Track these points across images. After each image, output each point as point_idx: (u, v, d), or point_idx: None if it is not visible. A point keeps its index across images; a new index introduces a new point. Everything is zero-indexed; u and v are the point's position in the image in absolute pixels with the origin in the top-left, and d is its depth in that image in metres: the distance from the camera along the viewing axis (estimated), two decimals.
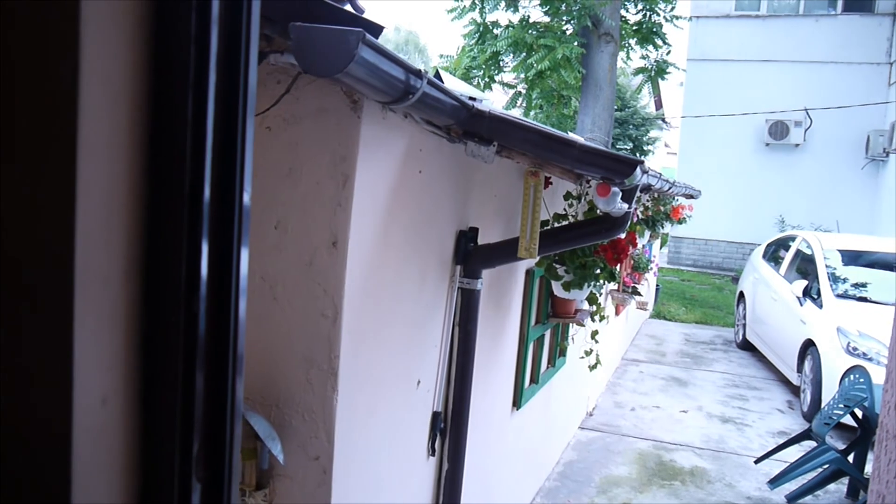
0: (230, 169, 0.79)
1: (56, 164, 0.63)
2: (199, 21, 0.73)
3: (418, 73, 1.73)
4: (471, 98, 2.29)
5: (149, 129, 0.72)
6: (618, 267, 3.41)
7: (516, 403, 4.05)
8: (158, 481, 0.77)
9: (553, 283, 3.66)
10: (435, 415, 2.80)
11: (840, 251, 8.36)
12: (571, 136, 2.85)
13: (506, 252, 2.84)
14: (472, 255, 2.81)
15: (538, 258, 2.94)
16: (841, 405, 5.30)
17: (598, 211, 2.86)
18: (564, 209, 3.56)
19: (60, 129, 0.63)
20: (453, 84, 2.60)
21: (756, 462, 5.75)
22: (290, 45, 1.51)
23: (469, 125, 2.29)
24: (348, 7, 2.77)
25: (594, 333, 4.80)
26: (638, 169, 2.38)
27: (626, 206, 2.56)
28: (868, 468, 5.31)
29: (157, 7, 0.71)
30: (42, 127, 0.63)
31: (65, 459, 0.66)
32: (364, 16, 1.90)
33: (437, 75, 2.59)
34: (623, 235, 2.94)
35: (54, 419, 0.65)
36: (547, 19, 12.10)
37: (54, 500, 0.67)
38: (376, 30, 1.54)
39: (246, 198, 0.81)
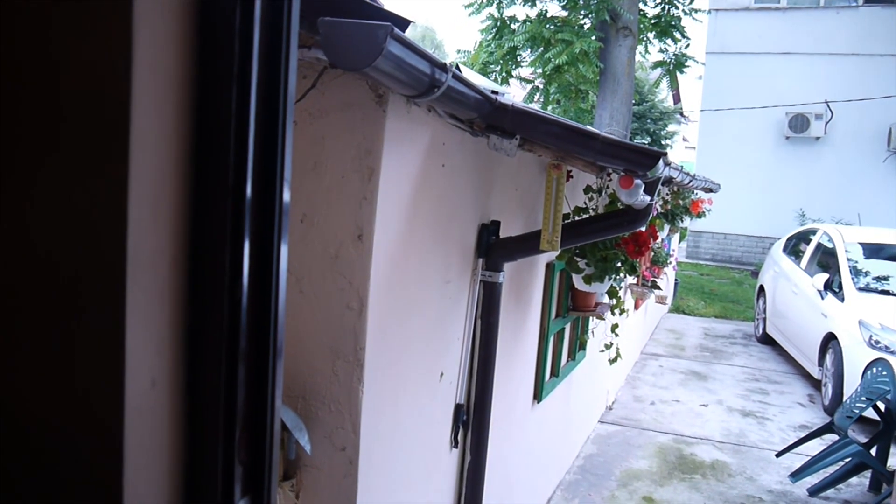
0: (271, 163, 0.81)
1: (110, 156, 0.66)
2: (244, 16, 0.75)
3: (443, 67, 1.75)
4: (493, 92, 2.30)
5: (195, 122, 0.74)
6: (639, 260, 3.41)
7: (537, 396, 4.07)
8: (203, 462, 0.80)
9: (574, 276, 3.67)
10: (458, 407, 2.83)
11: (861, 244, 8.30)
12: (592, 129, 2.86)
13: (527, 245, 2.85)
14: (494, 248, 2.82)
15: (559, 251, 2.95)
16: (863, 398, 5.27)
17: (619, 204, 2.86)
18: (585, 203, 3.57)
19: (115, 122, 0.65)
20: (473, 78, 2.61)
21: (777, 455, 5.73)
22: (318, 39, 1.54)
23: (492, 119, 2.30)
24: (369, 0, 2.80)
25: (614, 327, 4.80)
26: (661, 161, 2.38)
27: (648, 198, 2.57)
28: (891, 461, 5.28)
29: (203, 6, 0.73)
30: (98, 120, 0.65)
31: (117, 438, 0.68)
32: (388, 9, 1.92)
33: (457, 68, 2.61)
34: (644, 228, 2.94)
35: (107, 400, 0.68)
36: (565, 14, 12.05)
37: (107, 477, 0.69)
38: (403, 24, 1.56)
39: (286, 192, 0.83)
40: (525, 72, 13.14)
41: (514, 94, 13.30)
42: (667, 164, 2.53)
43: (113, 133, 0.65)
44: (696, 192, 8.09)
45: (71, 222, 0.67)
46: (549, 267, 3.92)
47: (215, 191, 0.76)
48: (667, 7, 12.74)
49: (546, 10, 12.08)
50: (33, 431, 0.69)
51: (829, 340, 7.37)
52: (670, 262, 8.64)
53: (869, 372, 5.73)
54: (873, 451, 5.18)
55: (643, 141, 22.13)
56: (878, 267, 7.97)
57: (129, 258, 0.67)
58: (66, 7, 0.65)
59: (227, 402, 0.80)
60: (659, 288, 7.27)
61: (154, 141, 0.69)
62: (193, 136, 0.74)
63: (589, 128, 2.72)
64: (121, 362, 0.66)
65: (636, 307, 7.43)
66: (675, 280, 12.18)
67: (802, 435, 5.88)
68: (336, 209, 2.03)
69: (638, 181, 2.43)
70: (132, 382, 0.68)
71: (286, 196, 0.83)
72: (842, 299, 7.45)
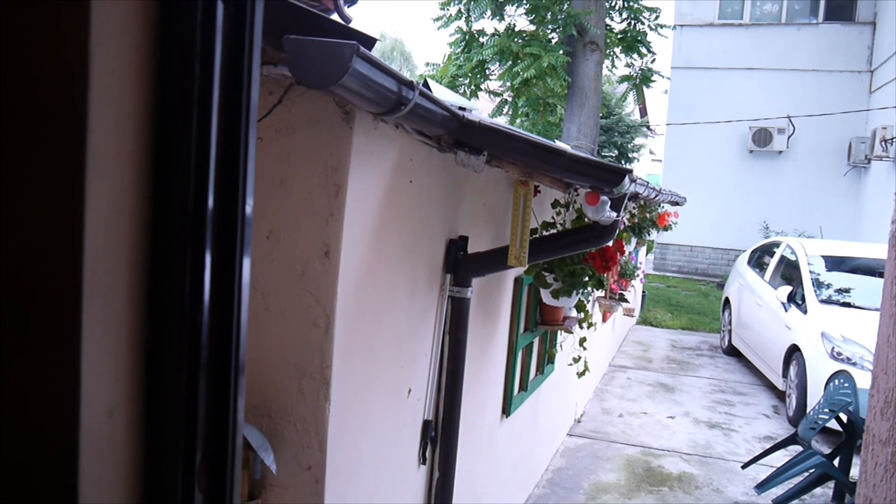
0: (233, 182, 0.80)
1: (64, 178, 0.64)
2: (204, 32, 0.74)
3: (410, 85, 1.75)
4: (461, 108, 2.31)
5: (154, 144, 0.73)
6: (606, 274, 3.43)
7: (506, 411, 4.07)
8: (162, 492, 0.78)
9: (542, 290, 3.68)
10: (426, 423, 2.81)
11: (824, 257, 8.44)
12: (560, 144, 2.87)
13: (495, 260, 2.86)
14: (461, 264, 2.82)
15: (527, 266, 2.96)
16: (826, 410, 5.35)
17: (587, 219, 2.88)
18: (552, 217, 3.58)
19: (69, 144, 0.64)
20: (441, 93, 2.62)
21: (743, 467, 5.78)
22: (284, 56, 1.53)
23: (459, 135, 2.31)
24: (335, 17, 2.79)
25: (582, 340, 4.83)
26: (626, 178, 2.40)
27: (614, 214, 2.59)
28: (853, 472, 5.35)
29: (163, 23, 0.72)
30: (51, 143, 0.64)
31: (71, 470, 0.67)
32: (354, 26, 1.91)
33: (426, 84, 2.61)
34: (611, 243, 2.96)
35: (62, 430, 0.66)
36: (533, 28, 12.17)
37: None
38: (370, 42, 1.56)
39: (248, 210, 0.82)
40: (494, 85, 13.22)
41: (482, 107, 13.37)
42: (633, 180, 2.55)
43: (69, 154, 0.64)
44: (662, 205, 8.18)
45: (23, 247, 0.65)
46: (518, 281, 3.93)
47: (175, 211, 0.75)
48: (633, 23, 12.93)
49: (514, 25, 12.18)
50: None
51: (793, 352, 7.48)
52: (637, 275, 8.72)
53: (831, 384, 5.81)
54: (836, 462, 5.26)
55: (611, 154, 22.36)
56: (839, 279, 8.11)
57: (85, 283, 0.65)
58: (22, 28, 0.63)
59: (187, 428, 0.79)
60: (626, 301, 7.32)
61: (112, 161, 0.68)
62: (152, 154, 0.73)
63: (557, 144, 2.74)
64: (76, 393, 0.65)
65: (604, 320, 7.48)
66: (643, 292, 12.29)
67: (767, 446, 5.95)
68: (303, 226, 2.02)
69: (604, 198, 2.45)
70: (88, 413, 0.66)
71: (248, 210, 0.82)
72: (805, 311, 7.57)
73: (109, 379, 0.70)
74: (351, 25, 1.77)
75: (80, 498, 0.67)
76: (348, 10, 2.84)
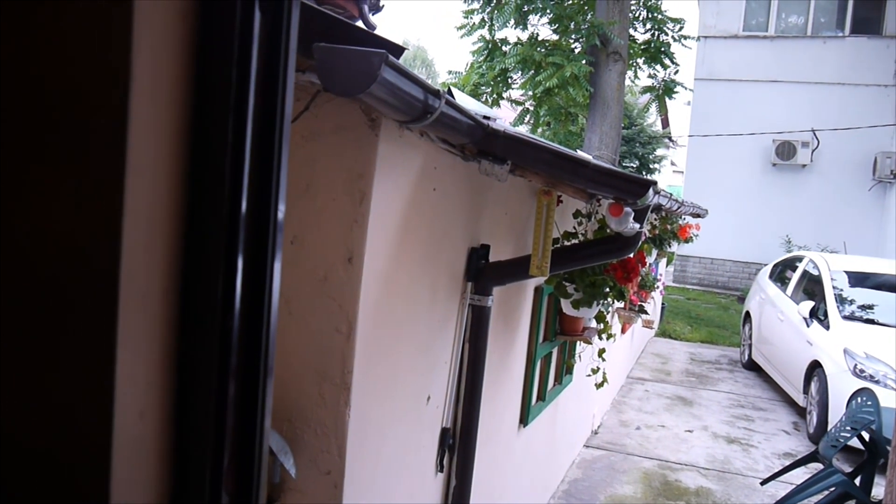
0: (266, 188, 0.81)
1: (104, 185, 0.65)
2: (241, 44, 0.75)
3: (437, 93, 1.75)
4: (485, 117, 2.31)
5: (191, 149, 0.74)
6: (627, 285, 3.42)
7: (523, 420, 4.05)
8: (190, 494, 0.79)
9: (562, 300, 3.67)
10: (444, 431, 2.81)
11: (847, 272, 8.35)
12: (584, 155, 2.87)
13: (517, 269, 2.85)
14: (483, 272, 2.82)
15: (549, 276, 2.95)
16: (848, 428, 5.28)
17: (609, 230, 2.87)
18: (574, 227, 3.58)
19: (110, 149, 0.64)
20: (464, 101, 2.62)
21: (762, 483, 5.71)
22: (312, 63, 1.54)
23: (484, 144, 2.31)
24: (359, 24, 2.81)
25: (601, 352, 4.80)
26: (651, 189, 2.39)
27: (637, 225, 2.58)
28: (875, 491, 5.28)
29: (202, 30, 0.73)
30: (93, 148, 0.65)
31: (104, 468, 0.67)
32: (380, 34, 1.92)
33: (450, 93, 2.62)
34: (633, 255, 2.95)
35: (96, 430, 0.67)
36: (556, 37, 12.17)
37: None
38: (398, 51, 1.57)
39: (280, 216, 0.83)
40: (516, 94, 13.24)
41: (503, 116, 13.37)
42: (657, 192, 2.54)
43: (109, 159, 0.65)
44: (684, 217, 8.14)
45: (63, 252, 0.66)
46: (538, 291, 3.92)
47: (209, 216, 0.76)
48: (656, 33, 12.90)
49: (537, 34, 12.21)
50: (19, 464, 0.68)
51: (815, 368, 7.40)
52: (657, 287, 8.67)
53: (854, 401, 5.73)
54: (858, 481, 5.18)
55: (631, 165, 22.28)
56: (863, 295, 8.02)
57: (122, 289, 0.66)
58: (64, 36, 0.64)
59: (215, 432, 0.79)
60: (646, 312, 7.28)
61: (149, 166, 0.69)
62: (189, 159, 0.74)
63: (581, 154, 2.74)
64: (110, 394, 0.66)
65: (623, 331, 7.44)
66: (662, 304, 12.21)
67: (787, 463, 5.88)
68: (327, 231, 2.03)
69: (628, 209, 2.44)
70: (121, 416, 0.67)
71: (280, 216, 0.83)
72: (827, 327, 7.49)
73: (142, 382, 0.71)
74: (370, 31, 1.78)
75: (111, 497, 0.68)
76: (373, 18, 2.86)
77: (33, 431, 0.68)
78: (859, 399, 5.61)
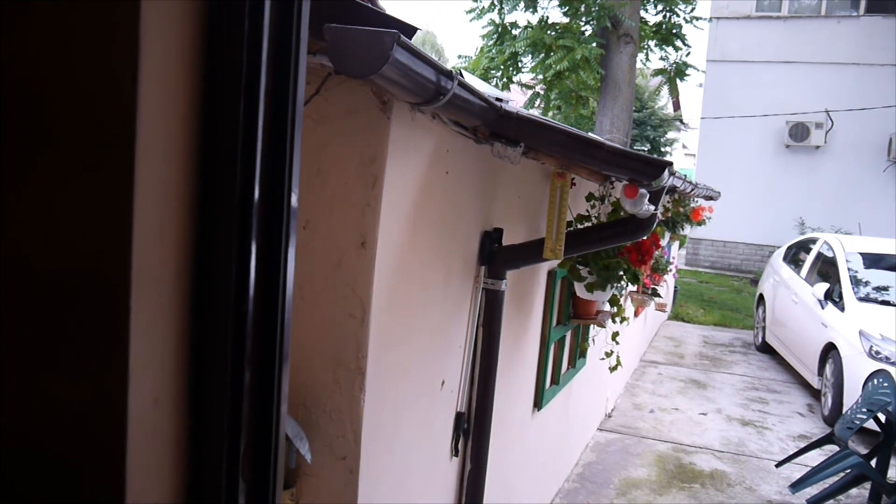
0: (279, 174, 0.79)
1: (115, 169, 0.64)
2: (252, 23, 0.73)
3: (449, 75, 1.73)
4: (497, 99, 2.29)
5: (202, 135, 0.72)
6: (641, 268, 3.40)
7: (537, 404, 4.05)
8: (206, 480, 0.78)
9: (576, 284, 3.65)
10: (458, 415, 2.81)
11: (862, 254, 8.28)
12: (597, 137, 2.84)
13: (530, 253, 2.84)
14: (496, 256, 2.81)
15: (562, 259, 2.93)
16: (864, 409, 5.25)
17: (623, 212, 2.85)
18: (587, 210, 3.55)
19: (120, 135, 0.63)
20: (475, 84, 2.60)
21: (777, 466, 5.70)
22: (323, 45, 1.52)
23: (496, 126, 2.29)
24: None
25: (615, 335, 4.78)
26: (666, 171, 2.37)
27: (652, 207, 2.55)
28: (891, 473, 5.26)
29: (212, 14, 0.71)
30: (102, 133, 0.63)
31: (119, 455, 0.67)
32: (391, 14, 1.90)
33: (462, 76, 2.59)
34: (647, 237, 2.92)
35: (110, 417, 0.66)
36: (566, 20, 12.08)
37: (109, 496, 0.67)
38: (410, 31, 1.54)
39: (294, 201, 0.81)
40: (526, 77, 13.17)
41: (515, 99, 13.31)
42: (672, 173, 2.51)
43: (118, 143, 0.64)
44: (696, 199, 8.08)
45: (74, 236, 0.65)
46: (551, 275, 3.90)
47: (222, 201, 0.74)
48: (668, 15, 12.78)
49: (547, 17, 12.12)
50: (34, 451, 0.67)
51: (829, 350, 7.35)
52: (670, 270, 8.63)
53: (870, 383, 5.70)
54: (873, 463, 5.16)
55: (643, 148, 22.16)
56: (878, 277, 7.96)
57: (134, 274, 0.65)
58: (73, 16, 0.63)
59: (231, 418, 0.78)
60: (659, 295, 7.24)
61: (160, 151, 0.68)
62: (200, 145, 0.73)
63: (594, 136, 2.71)
64: (124, 381, 0.65)
65: (636, 315, 7.41)
66: (675, 287, 12.16)
67: (802, 445, 5.86)
68: (339, 216, 2.01)
69: (643, 191, 2.41)
70: (135, 401, 0.66)
71: (294, 201, 0.81)
72: (842, 309, 7.44)
73: (156, 368, 0.70)
74: (388, 13, 1.76)
75: (127, 483, 0.67)
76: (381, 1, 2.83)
77: (49, 419, 0.67)
78: (875, 381, 5.58)
